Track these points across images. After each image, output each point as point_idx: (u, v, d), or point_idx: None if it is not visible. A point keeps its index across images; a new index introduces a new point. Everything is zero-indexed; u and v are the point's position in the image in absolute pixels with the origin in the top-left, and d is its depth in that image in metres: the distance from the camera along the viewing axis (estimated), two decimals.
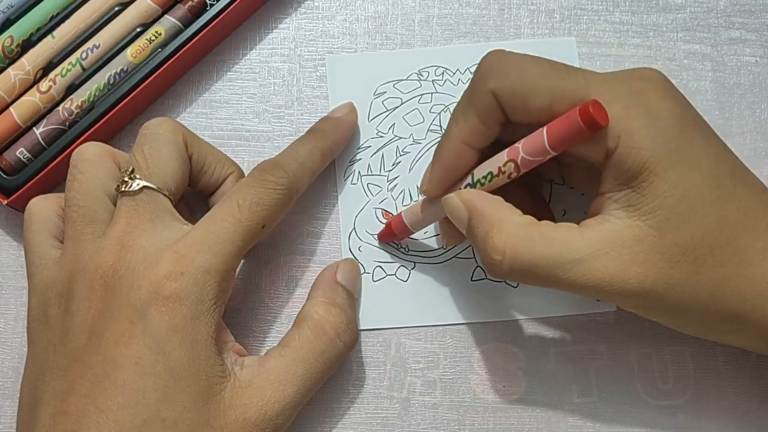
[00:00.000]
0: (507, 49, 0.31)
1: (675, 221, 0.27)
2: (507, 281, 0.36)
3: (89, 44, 0.37)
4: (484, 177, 0.30)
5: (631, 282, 0.28)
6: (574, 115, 0.27)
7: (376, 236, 0.37)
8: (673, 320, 0.30)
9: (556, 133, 0.28)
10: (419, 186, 0.34)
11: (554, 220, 0.34)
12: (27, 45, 0.38)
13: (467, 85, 0.31)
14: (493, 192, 0.31)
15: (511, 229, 0.29)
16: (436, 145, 0.38)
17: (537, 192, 0.36)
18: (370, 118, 0.38)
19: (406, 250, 0.37)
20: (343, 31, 0.40)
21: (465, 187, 0.31)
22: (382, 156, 0.38)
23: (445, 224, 0.34)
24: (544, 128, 0.28)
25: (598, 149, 0.28)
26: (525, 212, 0.30)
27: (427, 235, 0.37)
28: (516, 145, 0.29)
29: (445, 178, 0.32)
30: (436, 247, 0.37)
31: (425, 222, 0.35)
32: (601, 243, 0.28)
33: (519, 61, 0.30)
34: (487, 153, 0.31)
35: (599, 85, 0.28)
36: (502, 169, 0.30)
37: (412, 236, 0.36)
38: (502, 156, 0.30)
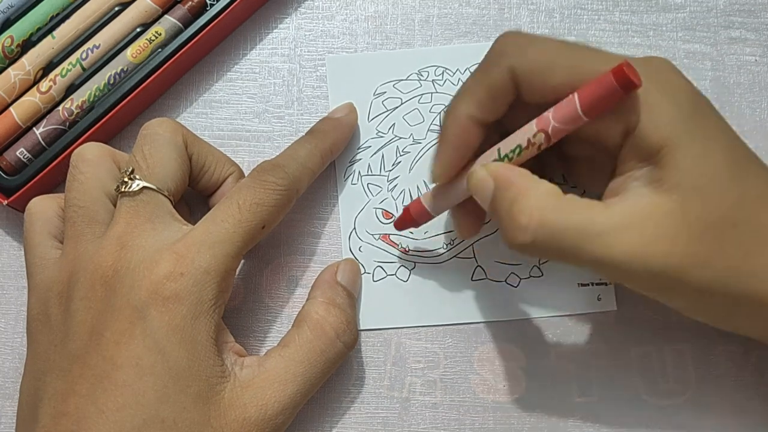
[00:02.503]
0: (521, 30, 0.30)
1: (698, 196, 0.27)
2: (507, 281, 0.36)
3: (89, 44, 0.37)
4: (512, 151, 0.30)
5: (656, 258, 0.27)
6: (607, 77, 0.26)
7: (380, 229, 0.37)
8: (695, 303, 0.29)
9: (590, 97, 0.27)
10: (430, 174, 0.32)
11: None
12: (27, 45, 0.38)
13: (480, 61, 0.31)
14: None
15: (540, 196, 0.28)
16: (436, 144, 0.38)
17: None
18: (370, 118, 0.38)
19: (407, 250, 0.37)
20: (343, 31, 0.40)
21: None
22: (382, 156, 0.38)
23: (460, 215, 0.34)
24: (575, 94, 0.27)
25: (617, 127, 0.28)
26: None
27: (427, 235, 0.37)
28: (545, 114, 0.28)
29: (454, 158, 0.31)
30: (436, 247, 0.37)
31: (445, 204, 0.34)
32: (626, 217, 0.27)
33: (537, 39, 0.30)
34: (489, 139, 0.31)
35: (618, 63, 0.28)
36: (532, 140, 0.29)
37: (411, 238, 0.36)
38: (531, 127, 0.29)
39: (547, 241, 0.27)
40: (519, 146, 0.29)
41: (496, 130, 0.32)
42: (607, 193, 0.29)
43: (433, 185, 0.33)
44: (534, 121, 0.29)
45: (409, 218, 0.35)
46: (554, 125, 0.28)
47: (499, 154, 0.30)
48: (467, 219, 0.33)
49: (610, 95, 0.26)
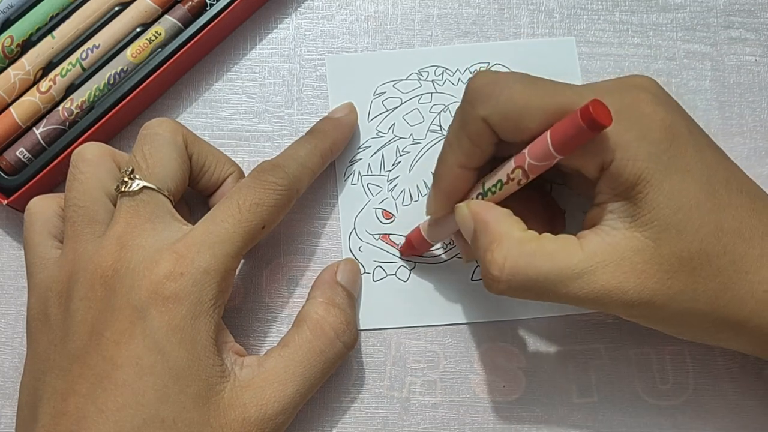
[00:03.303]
0: (491, 70, 0.31)
1: (672, 231, 0.28)
2: None
3: (89, 44, 0.37)
4: (494, 185, 0.31)
5: (629, 293, 0.28)
6: (575, 117, 0.27)
7: (380, 229, 0.37)
8: (673, 328, 0.30)
9: (559, 136, 0.27)
10: (425, 209, 0.34)
11: (563, 218, 0.34)
12: (27, 45, 0.38)
13: (457, 108, 0.31)
14: (505, 200, 0.31)
15: (512, 245, 0.29)
16: (436, 144, 0.38)
17: (545, 193, 0.36)
18: (370, 118, 0.38)
19: None
20: (343, 30, 0.40)
21: (477, 196, 0.31)
22: (382, 156, 0.38)
23: (461, 240, 0.34)
24: (548, 132, 0.28)
25: (593, 162, 0.28)
26: (536, 214, 0.30)
27: None
28: (522, 151, 0.29)
29: (447, 201, 0.32)
30: (436, 247, 0.37)
31: (442, 235, 0.35)
32: (599, 256, 0.28)
33: (506, 83, 0.29)
34: (485, 170, 0.31)
35: (591, 98, 0.28)
36: (511, 176, 0.30)
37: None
38: (510, 163, 0.30)
39: (521, 287, 0.29)
40: (500, 181, 0.30)
41: (490, 162, 0.32)
42: (587, 221, 0.30)
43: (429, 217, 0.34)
44: (512, 158, 0.30)
45: (411, 246, 0.36)
46: (530, 162, 0.29)
47: (483, 188, 0.31)
48: (468, 246, 0.34)
49: (578, 134, 0.27)
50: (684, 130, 0.29)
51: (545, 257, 0.28)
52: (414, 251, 0.36)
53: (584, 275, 0.28)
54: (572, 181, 0.34)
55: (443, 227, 0.34)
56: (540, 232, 0.30)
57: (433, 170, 0.37)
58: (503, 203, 0.31)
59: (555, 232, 0.30)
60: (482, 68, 0.39)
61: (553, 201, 0.36)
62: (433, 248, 0.37)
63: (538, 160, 0.28)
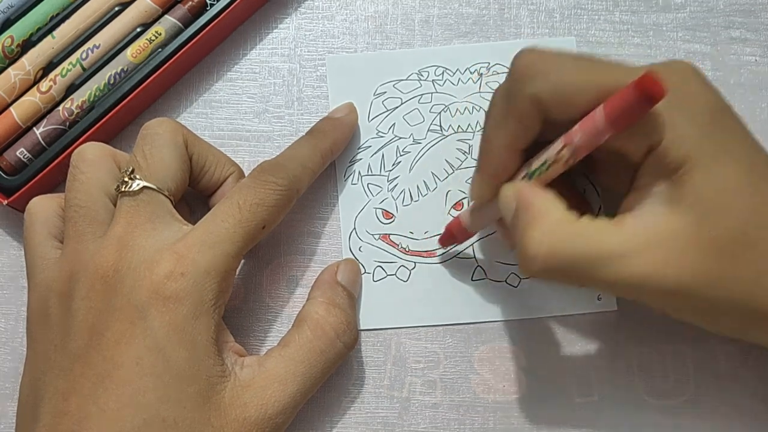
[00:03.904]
0: (538, 47, 0.29)
1: (714, 215, 0.27)
2: (507, 281, 0.36)
3: (89, 44, 0.37)
4: (541, 165, 0.30)
5: (669, 278, 0.27)
6: (630, 89, 0.26)
7: (380, 229, 0.37)
8: (708, 319, 0.29)
9: (614, 110, 0.27)
10: (469, 194, 0.33)
11: (591, 212, 0.33)
12: (27, 45, 0.38)
13: (499, 88, 0.30)
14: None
15: (551, 225, 0.28)
16: (436, 144, 0.38)
17: (572, 188, 0.36)
18: (370, 118, 0.38)
19: (407, 250, 0.37)
20: (343, 31, 0.40)
21: (523, 178, 0.31)
22: (383, 156, 0.38)
23: (504, 229, 0.34)
24: (600, 107, 0.27)
25: (643, 143, 0.28)
26: (571, 202, 0.29)
27: (427, 235, 0.37)
28: (572, 129, 0.28)
29: (492, 184, 0.32)
30: (436, 247, 0.37)
31: (483, 222, 0.34)
32: (638, 239, 0.27)
33: (557, 60, 0.29)
34: (530, 152, 0.31)
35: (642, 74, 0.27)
36: (559, 155, 0.29)
37: (411, 238, 0.36)
38: (558, 142, 0.29)
39: (557, 269, 0.28)
40: (546, 161, 0.29)
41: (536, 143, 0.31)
42: (623, 208, 0.29)
43: (471, 204, 0.34)
44: (561, 137, 0.29)
45: (451, 236, 0.36)
46: (580, 139, 0.28)
47: (530, 169, 0.30)
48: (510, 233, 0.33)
49: (634, 107, 0.26)
50: (729, 114, 0.29)
51: (584, 239, 0.27)
52: (454, 241, 0.36)
53: (623, 258, 0.27)
54: (601, 171, 0.33)
55: (485, 214, 0.33)
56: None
57: (433, 170, 0.38)
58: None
59: None
60: (483, 68, 0.39)
61: (582, 197, 0.35)
62: (433, 249, 0.37)
63: (590, 138, 0.28)
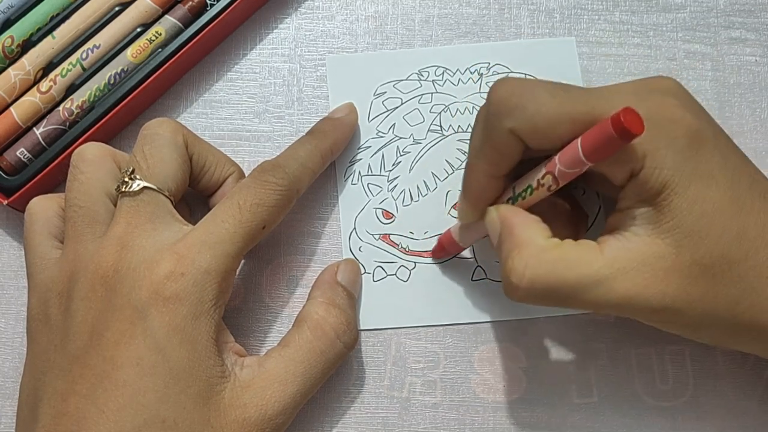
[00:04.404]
0: (512, 78, 0.30)
1: (694, 238, 0.27)
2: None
3: (89, 44, 0.37)
4: (524, 191, 0.30)
5: (651, 300, 0.28)
6: (606, 125, 0.26)
7: (380, 229, 0.37)
8: (693, 333, 0.30)
9: (591, 144, 0.27)
10: (458, 215, 0.34)
11: (586, 222, 0.34)
12: (27, 45, 0.38)
13: (478, 116, 0.31)
14: (534, 206, 0.31)
15: (533, 253, 0.29)
16: (436, 144, 0.38)
17: (572, 196, 0.36)
18: (370, 118, 0.38)
19: (407, 250, 0.37)
20: (343, 31, 0.40)
21: (507, 201, 0.31)
22: (383, 156, 0.38)
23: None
24: (578, 140, 0.28)
25: (622, 170, 0.28)
26: (560, 215, 0.30)
27: (427, 235, 0.37)
28: (553, 157, 0.29)
29: (476, 208, 0.32)
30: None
31: (473, 238, 0.35)
32: (621, 262, 0.28)
33: (532, 94, 0.29)
34: (515, 173, 0.31)
35: (620, 104, 0.27)
36: (541, 181, 0.29)
37: (411, 238, 0.36)
38: (541, 169, 0.29)
39: (540, 296, 0.29)
40: (530, 186, 0.30)
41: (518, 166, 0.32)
42: (608, 226, 0.30)
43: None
44: (544, 163, 0.29)
45: (443, 248, 0.36)
46: (560, 168, 0.28)
47: (514, 193, 0.31)
48: None
49: (610, 143, 0.26)
50: (710, 135, 0.29)
51: (566, 265, 0.28)
52: (445, 253, 0.36)
53: (605, 282, 0.28)
54: (597, 183, 0.34)
55: (474, 231, 0.34)
56: (563, 236, 0.29)
57: (433, 170, 0.38)
58: (532, 208, 0.31)
59: (577, 237, 0.30)
60: (483, 68, 0.39)
61: (578, 204, 0.36)
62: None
63: (568, 167, 0.28)
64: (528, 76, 0.38)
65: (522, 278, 0.28)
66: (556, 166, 0.29)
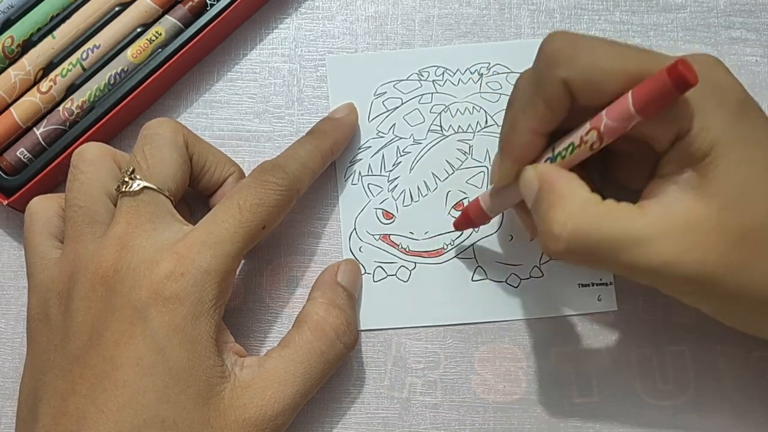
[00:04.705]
0: (568, 31, 0.29)
1: (737, 203, 0.27)
2: (508, 281, 0.36)
3: (90, 44, 0.37)
4: (565, 149, 0.29)
5: (691, 265, 0.27)
6: (662, 75, 0.25)
7: (380, 229, 0.37)
8: (725, 308, 0.29)
9: (643, 96, 0.26)
10: (490, 178, 0.32)
11: None
12: (27, 45, 0.38)
13: (526, 71, 0.30)
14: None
15: (576, 205, 0.28)
16: (436, 144, 0.38)
17: (589, 180, 0.35)
18: (370, 119, 0.38)
19: (407, 250, 0.37)
20: (343, 31, 0.40)
21: (546, 161, 0.30)
22: (383, 156, 0.38)
23: (524, 214, 0.33)
24: (629, 92, 0.27)
25: (670, 130, 0.27)
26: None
27: (427, 236, 0.37)
28: (600, 112, 0.28)
29: (514, 168, 0.31)
30: (436, 247, 0.37)
31: (503, 205, 0.33)
32: (663, 224, 0.27)
33: (588, 45, 0.28)
34: (554, 137, 0.30)
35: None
36: (584, 138, 0.28)
37: (411, 238, 0.36)
38: (585, 126, 0.28)
39: (581, 250, 0.27)
40: (572, 144, 0.29)
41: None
42: (645, 195, 0.29)
43: (491, 187, 0.34)
44: (589, 121, 0.28)
45: (468, 219, 0.35)
46: (607, 123, 0.27)
47: (554, 152, 0.30)
48: (530, 219, 0.33)
49: (664, 93, 0.26)
50: (755, 106, 0.29)
51: (610, 221, 0.27)
52: (470, 224, 0.36)
53: (645, 243, 0.27)
54: (620, 166, 0.33)
55: (505, 197, 0.33)
56: None
57: (433, 170, 0.38)
58: None
59: None
60: (483, 68, 0.39)
61: (599, 190, 0.35)
62: (433, 249, 0.37)
63: (617, 122, 0.27)
64: None
65: (564, 228, 0.27)
66: (603, 120, 0.27)
